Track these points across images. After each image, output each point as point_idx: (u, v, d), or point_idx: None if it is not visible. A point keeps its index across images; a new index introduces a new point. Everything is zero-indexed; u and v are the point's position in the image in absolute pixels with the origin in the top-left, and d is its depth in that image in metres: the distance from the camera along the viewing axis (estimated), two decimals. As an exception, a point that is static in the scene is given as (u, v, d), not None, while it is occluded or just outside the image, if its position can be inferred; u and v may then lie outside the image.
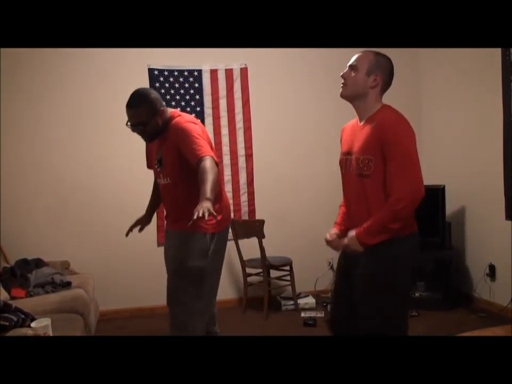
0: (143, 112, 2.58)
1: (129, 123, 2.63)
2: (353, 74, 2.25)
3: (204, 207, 2.13)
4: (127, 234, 2.90)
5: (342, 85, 2.30)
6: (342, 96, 2.33)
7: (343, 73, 2.29)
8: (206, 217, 2.11)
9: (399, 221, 2.13)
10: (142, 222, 2.98)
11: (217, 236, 2.69)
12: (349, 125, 2.45)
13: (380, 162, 2.17)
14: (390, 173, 2.14)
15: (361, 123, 2.31)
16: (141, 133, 2.67)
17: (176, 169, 2.63)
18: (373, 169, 2.18)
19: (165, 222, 2.93)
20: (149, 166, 2.95)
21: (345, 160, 2.34)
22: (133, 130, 2.65)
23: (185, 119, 2.64)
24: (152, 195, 3.07)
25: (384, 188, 2.19)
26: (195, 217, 2.10)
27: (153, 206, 3.08)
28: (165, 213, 2.89)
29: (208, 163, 2.39)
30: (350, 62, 2.27)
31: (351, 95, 2.31)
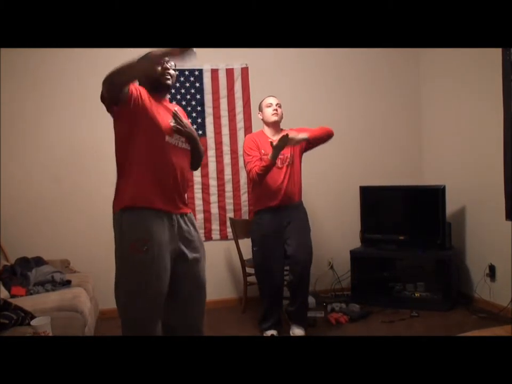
0: None
1: (172, 64, 2.48)
2: (280, 109, 3.78)
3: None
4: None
5: (276, 113, 3.73)
6: (277, 121, 3.76)
7: (277, 109, 3.75)
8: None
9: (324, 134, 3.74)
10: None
11: None
12: (260, 138, 3.76)
13: (300, 156, 3.81)
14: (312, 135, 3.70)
15: (275, 137, 3.62)
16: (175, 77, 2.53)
17: None
18: (298, 160, 3.79)
19: (169, 202, 2.39)
20: (157, 132, 2.38)
21: (284, 158, 3.67)
22: (171, 74, 2.47)
23: None
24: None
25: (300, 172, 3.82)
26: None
27: None
28: (166, 190, 2.38)
29: None
30: (277, 101, 3.77)
31: (280, 120, 3.80)
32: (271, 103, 3.76)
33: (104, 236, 4.55)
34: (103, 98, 2.29)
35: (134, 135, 2.32)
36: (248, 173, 3.69)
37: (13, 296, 3.30)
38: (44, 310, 3.01)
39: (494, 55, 4.03)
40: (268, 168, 3.54)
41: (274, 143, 3.44)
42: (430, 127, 5.16)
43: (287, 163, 3.70)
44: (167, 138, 2.38)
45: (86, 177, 4.54)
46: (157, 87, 2.46)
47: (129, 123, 2.33)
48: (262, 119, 3.85)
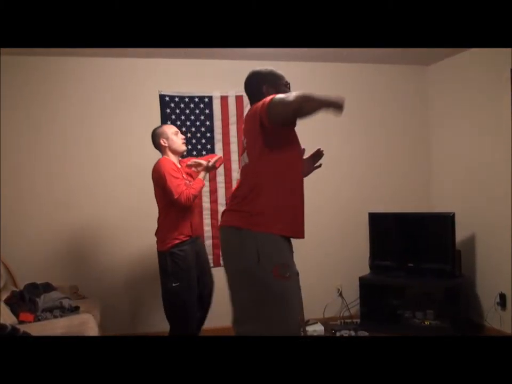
0: None
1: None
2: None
3: None
4: None
5: (185, 142, 3.65)
6: (185, 150, 3.72)
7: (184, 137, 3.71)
8: None
9: None
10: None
11: None
12: (173, 163, 3.53)
13: None
14: None
15: (179, 165, 3.59)
16: None
17: None
18: None
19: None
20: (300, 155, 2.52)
21: None
22: None
23: None
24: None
25: None
26: None
27: None
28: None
29: None
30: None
31: None
32: (177, 131, 3.66)
33: (112, 263, 4.57)
34: (289, 114, 2.19)
35: (288, 159, 2.37)
36: (179, 196, 3.35)
37: (21, 322, 3.29)
38: (51, 337, 3.00)
39: (503, 79, 4.04)
40: (201, 190, 3.56)
41: (210, 164, 3.53)
42: (439, 154, 5.16)
43: None
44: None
45: (96, 205, 4.56)
46: None
47: (287, 147, 2.38)
48: (167, 147, 3.57)
